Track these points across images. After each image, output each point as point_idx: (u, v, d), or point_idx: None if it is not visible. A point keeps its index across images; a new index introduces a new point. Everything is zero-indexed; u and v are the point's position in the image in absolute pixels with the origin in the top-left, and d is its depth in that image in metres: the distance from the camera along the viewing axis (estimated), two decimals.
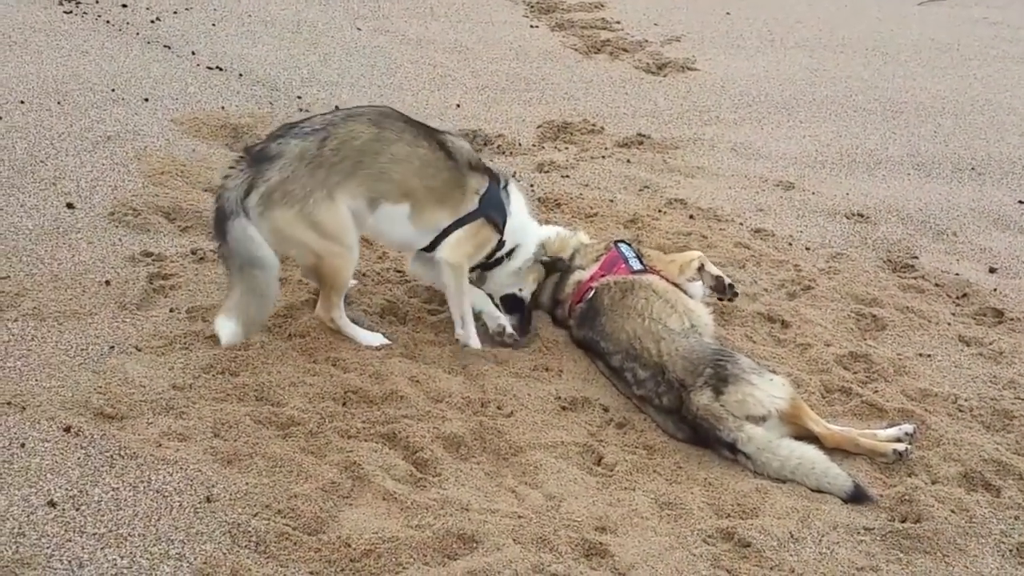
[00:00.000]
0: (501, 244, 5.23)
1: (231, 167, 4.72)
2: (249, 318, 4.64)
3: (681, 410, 4.58)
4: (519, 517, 3.92)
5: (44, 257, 5.18)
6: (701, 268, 5.29)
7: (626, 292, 5.04)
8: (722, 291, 5.29)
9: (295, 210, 4.63)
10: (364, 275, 5.53)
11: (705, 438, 4.53)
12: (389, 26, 10.50)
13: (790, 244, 6.60)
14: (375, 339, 4.97)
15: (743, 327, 5.50)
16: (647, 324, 4.86)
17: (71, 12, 9.31)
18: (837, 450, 4.56)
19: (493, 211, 5.10)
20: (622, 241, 5.46)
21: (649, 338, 4.80)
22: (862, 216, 7.14)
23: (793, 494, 4.30)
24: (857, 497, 4.28)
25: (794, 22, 12.34)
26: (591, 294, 5.14)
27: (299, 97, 8.05)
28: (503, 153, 7.59)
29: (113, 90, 7.49)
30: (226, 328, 4.60)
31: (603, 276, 5.19)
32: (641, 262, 5.25)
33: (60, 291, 4.92)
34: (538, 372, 4.98)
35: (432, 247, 5.07)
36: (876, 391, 5.05)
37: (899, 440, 4.61)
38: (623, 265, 5.22)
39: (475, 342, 5.07)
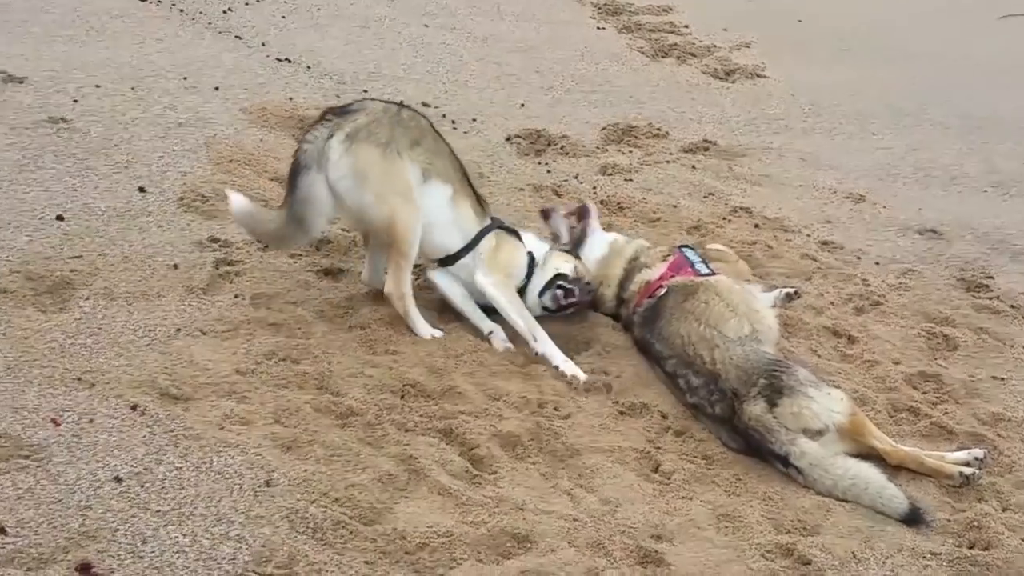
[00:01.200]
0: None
1: (313, 124, 4.95)
2: (256, 222, 4.94)
3: (734, 420, 4.51)
4: (574, 520, 3.89)
5: (116, 239, 5.25)
6: None
7: (688, 295, 4.98)
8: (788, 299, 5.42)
9: (380, 150, 4.85)
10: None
11: (758, 449, 4.45)
12: (456, 23, 10.51)
13: (859, 258, 6.50)
14: (430, 331, 4.98)
15: (808, 340, 5.42)
16: (702, 330, 4.79)
17: (147, 0, 9.43)
18: (901, 469, 4.47)
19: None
20: (686, 245, 5.41)
21: (703, 344, 4.73)
22: (935, 232, 7.00)
23: (857, 513, 4.21)
24: (912, 519, 4.16)
25: (869, 32, 12.16)
26: (662, 291, 5.08)
27: (365, 91, 8.07)
28: (566, 154, 7.56)
29: (185, 78, 7.58)
30: (240, 200, 4.86)
31: (672, 276, 5.13)
32: (707, 265, 5.20)
33: (130, 272, 4.98)
34: (597, 375, 4.95)
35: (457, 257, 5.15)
36: (946, 413, 4.94)
37: (967, 464, 4.48)
38: (689, 269, 5.17)
39: (557, 353, 4.99)
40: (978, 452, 4.55)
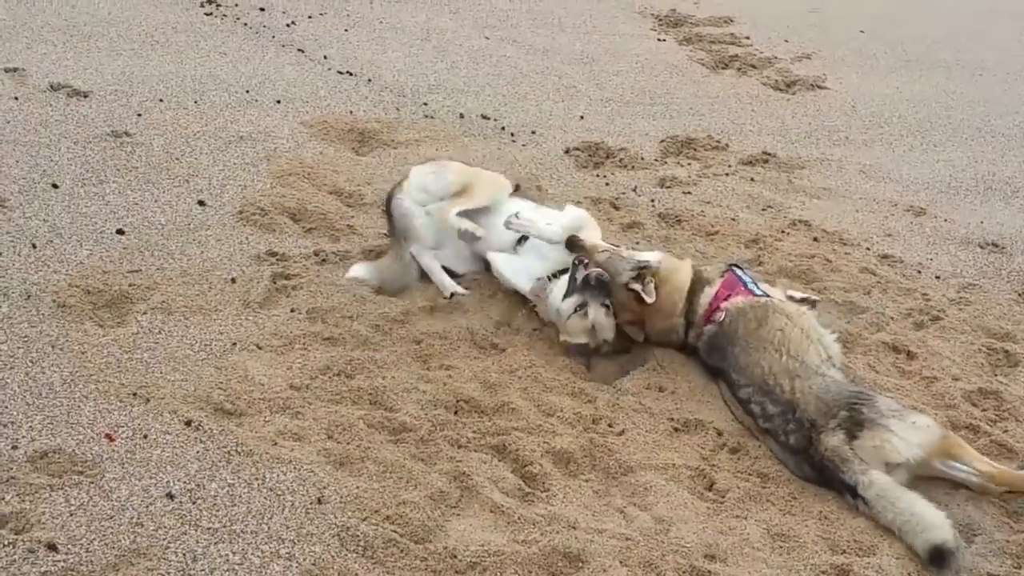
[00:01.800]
0: None
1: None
2: (383, 277, 5.42)
3: (809, 450, 4.42)
4: (627, 539, 3.86)
5: (175, 252, 5.33)
6: None
7: (762, 322, 4.90)
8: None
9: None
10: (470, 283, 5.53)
11: (829, 480, 4.35)
12: (517, 36, 10.52)
13: (919, 272, 6.39)
14: (453, 287, 5.35)
15: (866, 356, 5.33)
16: (784, 361, 4.71)
17: (211, 14, 9.57)
18: (1010, 492, 4.37)
19: None
20: (735, 265, 5.35)
21: (784, 375, 4.65)
22: (997, 246, 6.87)
23: None
24: (935, 557, 3.96)
25: (931, 42, 11.96)
26: (722, 316, 5.01)
27: (425, 104, 8.12)
28: (625, 167, 7.53)
29: (247, 91, 7.68)
30: (359, 269, 5.41)
31: (728, 297, 5.06)
32: (758, 287, 5.13)
33: (188, 286, 5.05)
34: (651, 391, 4.92)
35: None
36: (1006, 431, 4.82)
37: None
38: (742, 288, 5.10)
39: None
40: None
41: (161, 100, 7.19)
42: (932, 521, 4.04)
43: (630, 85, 9.49)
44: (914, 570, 3.92)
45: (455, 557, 3.62)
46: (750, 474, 4.44)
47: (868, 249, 6.63)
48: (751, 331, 4.88)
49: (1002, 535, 4.19)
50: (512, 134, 7.80)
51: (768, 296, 5.09)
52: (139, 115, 6.86)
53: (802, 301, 5.29)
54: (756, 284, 5.17)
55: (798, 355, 4.73)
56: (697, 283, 5.23)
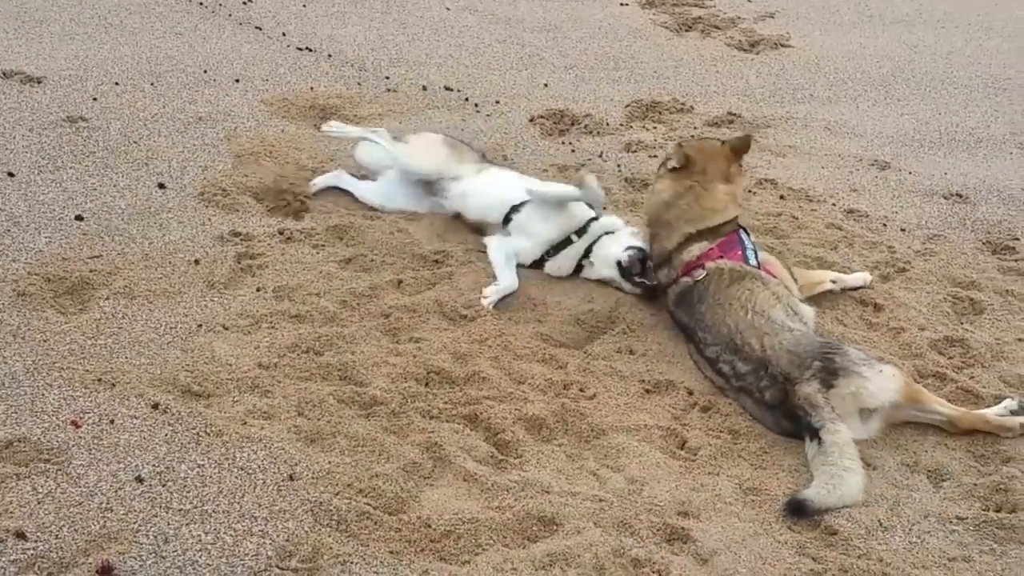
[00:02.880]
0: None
1: None
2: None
3: (785, 403, 4.44)
4: (600, 500, 3.88)
5: (136, 236, 5.27)
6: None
7: (734, 281, 4.91)
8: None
9: None
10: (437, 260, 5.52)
11: (799, 426, 4.38)
12: (478, 6, 10.45)
13: (884, 225, 6.42)
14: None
15: (834, 310, 5.37)
16: (750, 318, 4.73)
17: None
18: (971, 432, 4.48)
19: None
20: (744, 229, 5.29)
21: (752, 333, 4.66)
22: (961, 196, 6.91)
23: (882, 482, 4.19)
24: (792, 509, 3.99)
25: None
26: (701, 275, 5.01)
27: (387, 77, 8.07)
28: (590, 133, 7.51)
29: (205, 71, 7.60)
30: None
31: (720, 257, 5.04)
32: (757, 260, 5.09)
33: (150, 270, 5.00)
34: (621, 354, 4.92)
35: None
36: (972, 377, 4.89)
37: (1014, 413, 4.52)
38: (739, 251, 5.08)
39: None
40: (1011, 403, 4.58)
41: (117, 83, 7.10)
42: (848, 490, 4.06)
43: (593, 51, 9.46)
44: (883, 515, 3.96)
45: (429, 527, 3.62)
46: (721, 431, 4.46)
47: (834, 204, 6.66)
48: (721, 289, 4.89)
49: (970, 479, 4.24)
50: (476, 104, 7.76)
51: (760, 270, 5.04)
52: (95, 99, 6.77)
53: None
54: (755, 254, 5.12)
55: (763, 311, 4.74)
56: (705, 232, 5.20)
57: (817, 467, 4.17)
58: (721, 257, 5.03)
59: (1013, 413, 4.53)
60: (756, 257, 5.10)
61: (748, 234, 5.25)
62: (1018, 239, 6.35)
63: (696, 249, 5.12)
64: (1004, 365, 5.01)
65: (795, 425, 4.40)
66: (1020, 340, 5.23)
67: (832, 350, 4.53)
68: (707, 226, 5.18)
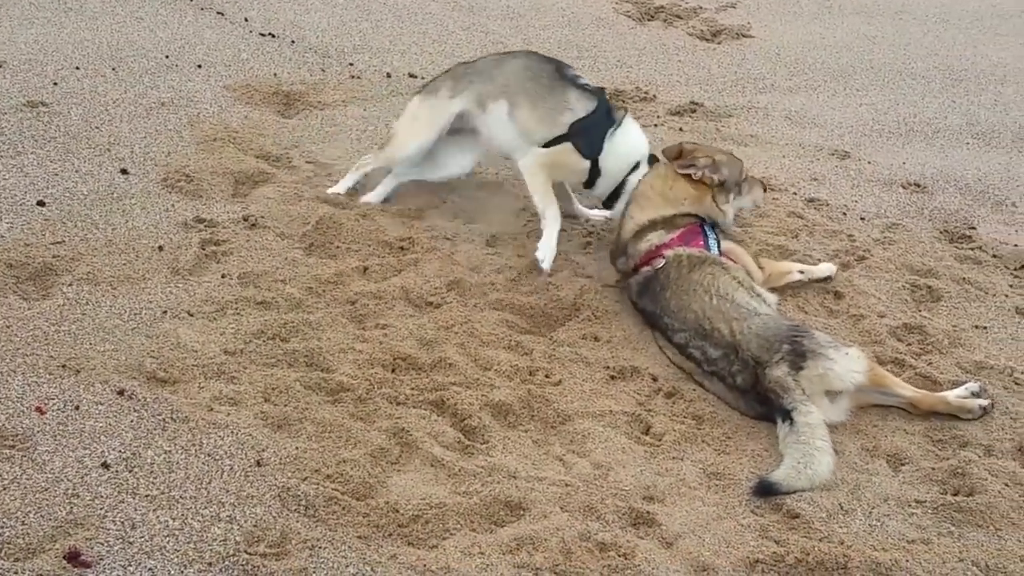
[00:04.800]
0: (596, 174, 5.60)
1: None
2: None
3: (756, 387, 4.50)
4: (566, 485, 3.92)
5: (99, 222, 5.24)
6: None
7: (694, 266, 4.96)
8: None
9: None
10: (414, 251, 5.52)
11: (771, 409, 4.45)
12: None
13: (844, 214, 6.50)
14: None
15: (795, 298, 5.43)
16: (715, 303, 4.78)
17: None
18: (931, 413, 4.57)
19: (581, 139, 5.51)
20: (712, 225, 5.35)
21: (720, 318, 4.71)
22: (919, 186, 7.01)
23: (843, 466, 4.24)
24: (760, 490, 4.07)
25: None
26: (660, 263, 5.05)
27: (351, 64, 8.04)
28: None
29: (167, 57, 7.54)
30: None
31: (679, 247, 5.09)
32: (719, 249, 5.15)
33: (114, 256, 4.97)
34: (587, 341, 4.96)
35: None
36: (930, 363, 4.96)
37: (975, 395, 4.62)
38: (701, 241, 5.13)
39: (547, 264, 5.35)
40: (973, 386, 4.67)
41: (78, 68, 7.03)
42: (818, 469, 4.13)
43: (557, 39, 9.46)
44: (843, 499, 4.03)
45: (397, 511, 3.64)
46: (686, 417, 4.51)
47: (795, 193, 6.73)
48: (682, 275, 4.94)
49: (928, 463, 4.31)
50: None
51: (725, 259, 5.10)
52: (55, 84, 6.70)
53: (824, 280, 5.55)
54: (718, 245, 5.18)
55: (727, 295, 4.80)
56: (661, 222, 5.26)
57: (788, 447, 4.24)
58: (681, 246, 5.08)
59: (974, 395, 4.62)
60: (719, 247, 5.16)
61: (714, 229, 5.31)
62: (974, 228, 6.45)
63: (655, 238, 5.16)
64: (961, 352, 5.09)
65: (767, 408, 4.46)
66: (976, 327, 5.33)
67: (800, 333, 4.60)
68: (661, 215, 5.24)
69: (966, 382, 4.73)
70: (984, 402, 4.58)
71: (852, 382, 4.48)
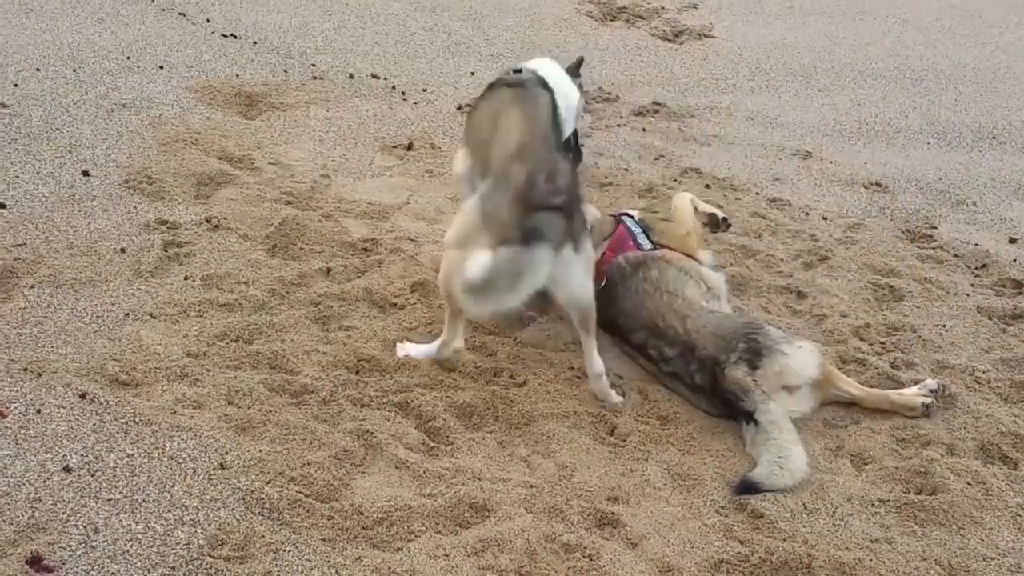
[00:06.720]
0: None
1: None
2: None
3: (715, 387, 4.53)
4: (531, 487, 3.92)
5: (60, 224, 5.19)
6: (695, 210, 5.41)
7: (638, 266, 4.96)
8: (716, 226, 5.48)
9: None
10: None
11: (734, 410, 4.48)
12: None
13: (807, 214, 6.55)
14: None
15: (758, 297, 5.47)
16: (666, 300, 4.80)
17: None
18: (876, 411, 4.62)
19: None
20: (626, 213, 5.38)
21: (673, 315, 4.73)
22: (880, 186, 7.08)
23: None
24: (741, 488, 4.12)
25: None
26: (603, 283, 4.95)
27: (313, 65, 8.01)
28: None
29: (128, 58, 7.47)
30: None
31: (612, 256, 5.08)
32: (649, 238, 5.16)
33: (76, 258, 4.93)
34: (551, 341, 4.96)
35: None
36: (892, 363, 5.00)
37: (933, 392, 4.67)
38: (631, 243, 5.13)
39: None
40: (931, 384, 4.71)
41: (38, 69, 6.96)
42: (798, 464, 4.19)
43: (520, 39, 9.48)
44: (808, 500, 4.06)
45: (362, 514, 3.64)
46: (650, 417, 4.53)
47: (758, 194, 6.78)
48: (628, 276, 4.95)
49: (892, 462, 4.35)
50: (403, 93, 7.75)
51: (655, 248, 5.10)
52: (16, 85, 6.63)
53: (710, 217, 5.49)
54: (646, 234, 5.18)
55: (676, 291, 4.83)
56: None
57: (760, 447, 4.27)
58: (614, 256, 5.09)
59: (932, 392, 4.65)
60: (648, 237, 5.16)
61: (632, 216, 5.32)
62: (935, 228, 6.53)
63: None
64: (923, 351, 5.13)
65: (729, 408, 4.49)
66: (937, 326, 5.38)
67: (754, 330, 4.64)
68: None
69: (925, 379, 4.78)
70: (927, 399, 4.61)
71: (807, 376, 4.53)
